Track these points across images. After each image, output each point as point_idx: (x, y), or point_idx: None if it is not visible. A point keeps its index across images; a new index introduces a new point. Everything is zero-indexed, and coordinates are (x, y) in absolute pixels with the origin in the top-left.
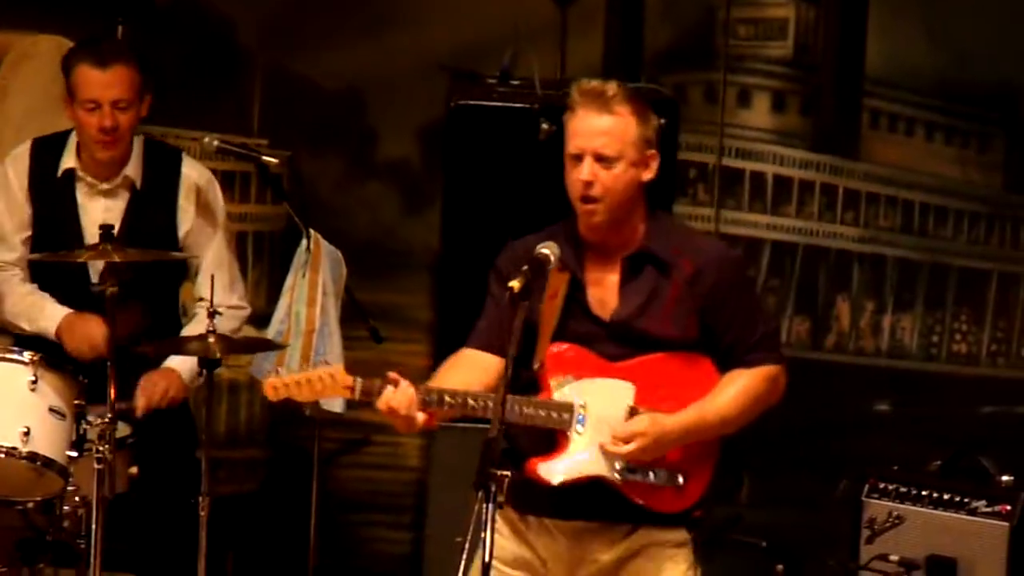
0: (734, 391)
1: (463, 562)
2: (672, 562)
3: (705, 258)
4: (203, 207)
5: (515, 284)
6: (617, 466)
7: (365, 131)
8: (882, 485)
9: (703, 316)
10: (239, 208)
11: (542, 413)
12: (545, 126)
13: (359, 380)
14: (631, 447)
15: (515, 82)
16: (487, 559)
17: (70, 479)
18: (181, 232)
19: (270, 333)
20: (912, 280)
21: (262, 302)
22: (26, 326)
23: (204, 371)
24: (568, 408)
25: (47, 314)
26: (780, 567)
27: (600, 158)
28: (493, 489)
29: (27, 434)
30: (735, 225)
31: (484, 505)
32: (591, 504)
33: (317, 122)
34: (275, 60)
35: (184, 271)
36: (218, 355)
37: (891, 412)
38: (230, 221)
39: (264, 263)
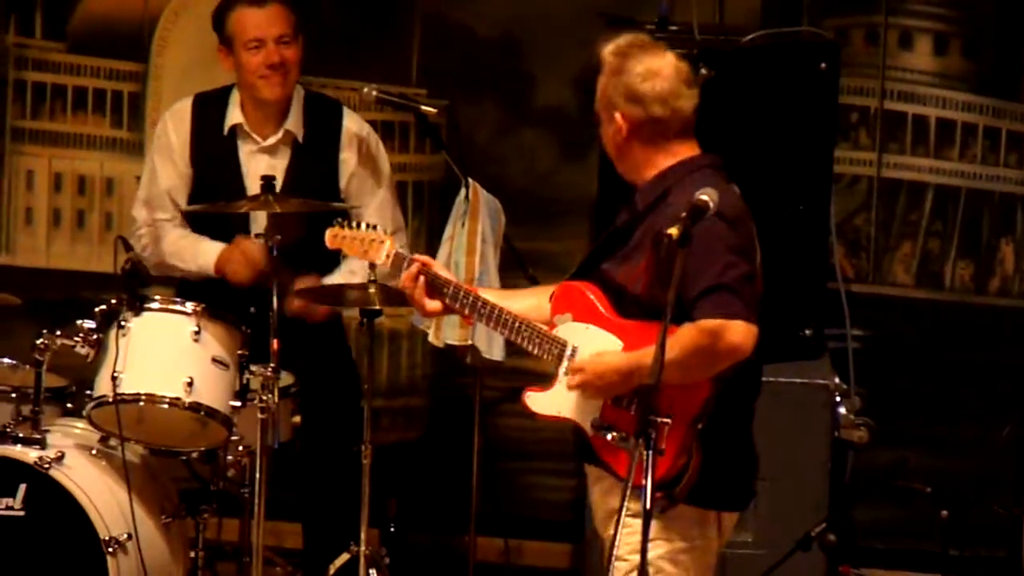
0: (672, 343)
1: (622, 508)
2: (628, 530)
3: (677, 210)
4: (365, 159)
5: (673, 231)
6: (592, 417)
7: (522, 78)
8: None
9: (662, 273)
10: (398, 158)
11: (536, 342)
12: (703, 71)
13: (394, 252)
14: (574, 380)
15: (673, 28)
16: (647, 507)
17: (234, 429)
18: (342, 184)
19: None
20: None
21: (422, 251)
22: (182, 265)
23: (366, 320)
24: (561, 344)
25: (204, 250)
26: (945, 513)
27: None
28: (653, 436)
29: (190, 385)
30: (897, 169)
31: (643, 452)
32: (587, 451)
33: (474, 70)
34: (433, 8)
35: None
36: (378, 305)
37: None
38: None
39: (423, 212)
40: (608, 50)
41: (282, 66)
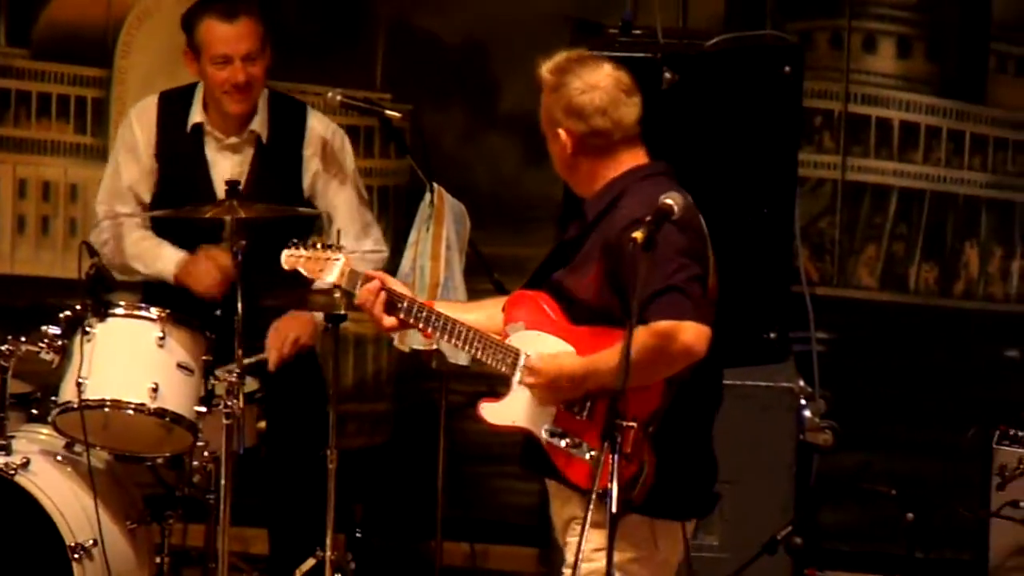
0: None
1: (587, 511)
2: (583, 538)
3: (626, 216)
4: (329, 159)
5: (638, 235)
6: (546, 425)
7: (487, 83)
8: (1012, 432)
9: (613, 279)
10: (363, 163)
11: (490, 352)
12: (668, 75)
13: (348, 270)
14: (528, 380)
15: (637, 32)
16: (613, 510)
17: (199, 434)
18: (305, 184)
19: None
20: None
21: (388, 255)
22: (142, 269)
23: (330, 325)
24: (514, 354)
25: (164, 257)
26: (910, 515)
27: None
28: (619, 440)
29: (155, 390)
30: (862, 172)
31: (610, 456)
32: (542, 462)
33: (439, 75)
34: (398, 13)
35: (311, 224)
36: (343, 310)
37: (1020, 358)
38: None
39: (388, 217)
40: (546, 68)
41: (247, 85)
